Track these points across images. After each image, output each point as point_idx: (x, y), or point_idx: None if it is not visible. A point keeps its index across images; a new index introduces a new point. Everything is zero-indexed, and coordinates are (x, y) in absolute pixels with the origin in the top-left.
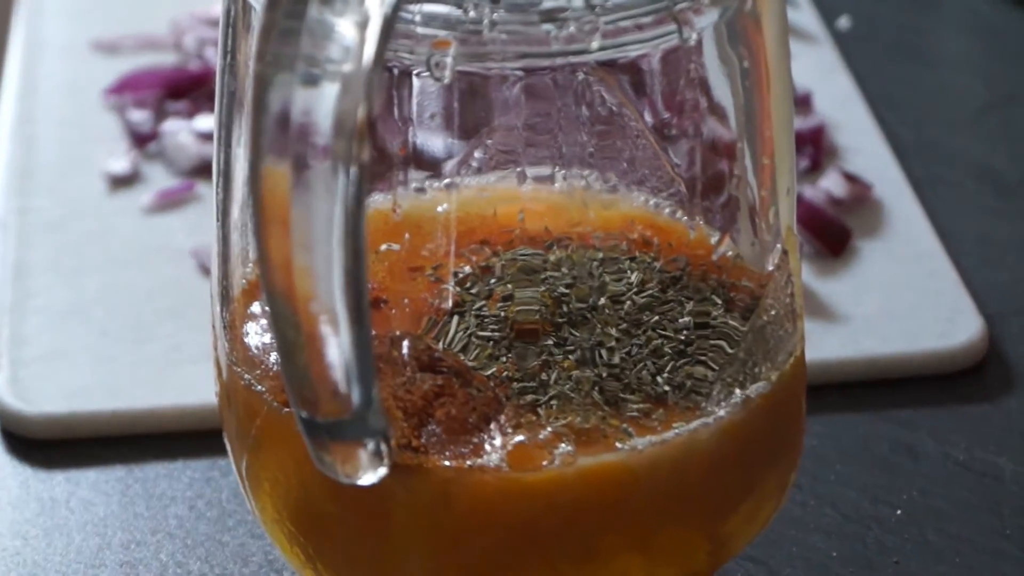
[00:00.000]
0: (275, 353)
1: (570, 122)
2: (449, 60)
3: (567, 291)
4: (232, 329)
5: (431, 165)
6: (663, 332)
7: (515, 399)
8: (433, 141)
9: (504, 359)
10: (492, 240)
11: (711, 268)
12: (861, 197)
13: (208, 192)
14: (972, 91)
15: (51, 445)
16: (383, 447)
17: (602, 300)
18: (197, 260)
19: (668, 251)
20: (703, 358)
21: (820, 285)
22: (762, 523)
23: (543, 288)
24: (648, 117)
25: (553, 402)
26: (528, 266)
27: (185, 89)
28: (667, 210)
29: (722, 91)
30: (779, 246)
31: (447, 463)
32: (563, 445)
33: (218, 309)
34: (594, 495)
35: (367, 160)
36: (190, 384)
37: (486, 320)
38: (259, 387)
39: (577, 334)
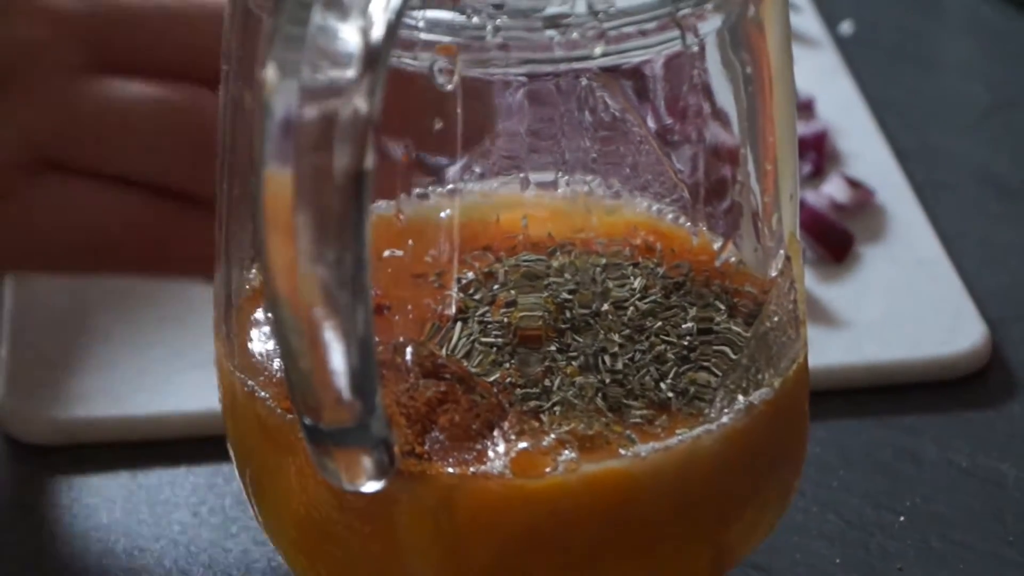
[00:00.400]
0: (278, 359)
1: (573, 128)
2: (453, 66)
3: (570, 297)
4: (235, 335)
5: (434, 171)
6: (666, 338)
7: (518, 405)
8: (436, 147)
9: (507, 365)
10: (495, 246)
11: (714, 274)
12: (864, 202)
13: None
14: (975, 95)
15: (54, 451)
16: (386, 454)
17: (605, 306)
18: None
19: (671, 257)
20: (706, 364)
21: (823, 291)
22: (766, 530)
23: (546, 294)
24: (651, 123)
25: (556, 408)
26: (531, 272)
27: None
28: (670, 216)
29: (725, 97)
30: (782, 252)
31: (450, 470)
32: (566, 452)
33: (221, 315)
34: (597, 502)
35: (370, 166)
36: (193, 390)
37: (489, 326)
38: (262, 393)
39: (580, 340)
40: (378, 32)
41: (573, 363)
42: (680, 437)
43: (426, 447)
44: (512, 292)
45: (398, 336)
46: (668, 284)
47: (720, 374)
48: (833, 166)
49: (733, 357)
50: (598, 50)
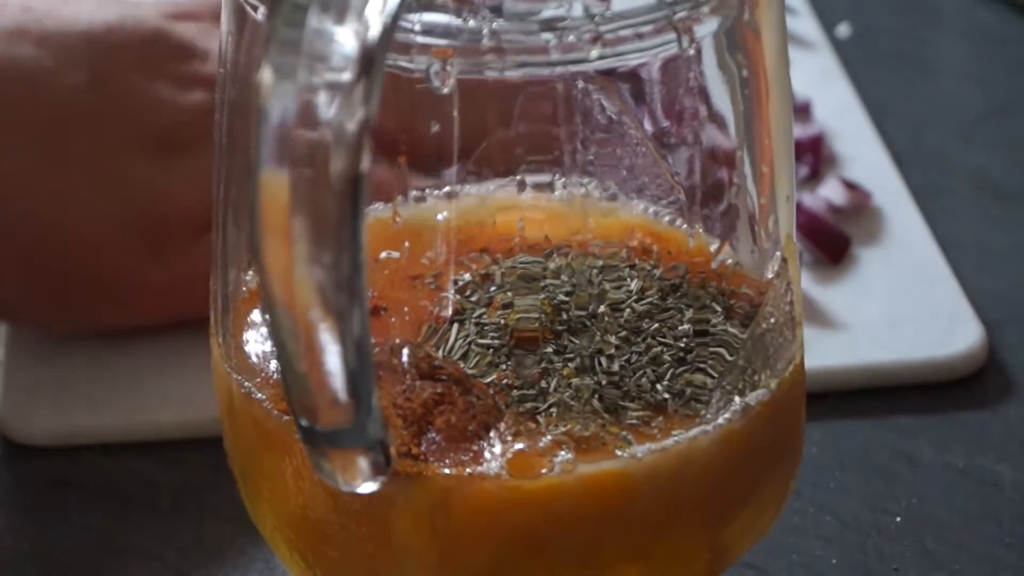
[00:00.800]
0: (275, 361)
1: (570, 130)
2: (449, 69)
3: (567, 299)
4: (232, 337)
5: (431, 173)
6: (663, 340)
7: (515, 407)
8: (433, 150)
9: (504, 367)
10: (492, 248)
11: (710, 276)
12: (860, 205)
13: None
14: (971, 99)
15: (51, 452)
16: (382, 455)
17: (602, 308)
18: None
19: (667, 259)
20: (703, 366)
21: (819, 293)
22: (762, 531)
23: (543, 296)
24: (647, 125)
25: (553, 410)
26: (528, 274)
27: None
28: (666, 218)
29: (721, 99)
30: (778, 254)
31: (447, 471)
32: (563, 453)
33: (218, 317)
34: (594, 503)
35: (367, 169)
36: (191, 392)
37: (486, 328)
38: (259, 395)
39: (577, 342)
40: (374, 35)
41: (569, 365)
42: (676, 438)
43: (422, 448)
44: (508, 294)
45: (394, 338)
46: (664, 286)
47: (716, 375)
48: (830, 169)
49: (729, 359)
50: (594, 53)
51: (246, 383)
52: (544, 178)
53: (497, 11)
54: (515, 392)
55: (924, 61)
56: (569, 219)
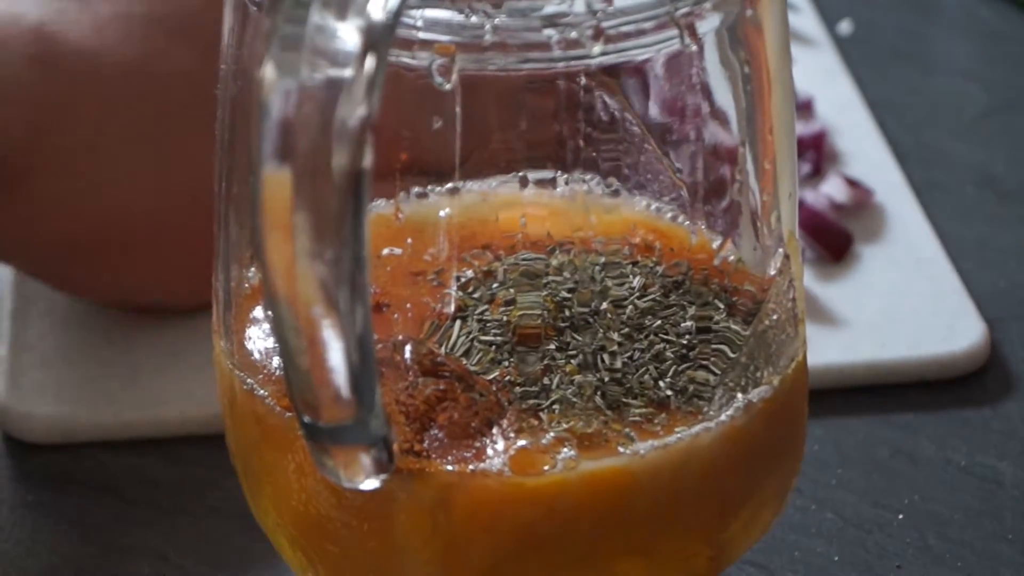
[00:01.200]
0: (277, 358)
1: (572, 127)
2: (451, 65)
3: (569, 296)
4: (234, 333)
5: (433, 170)
6: (665, 337)
7: (517, 404)
8: (435, 146)
9: (506, 363)
10: (494, 245)
11: (713, 273)
12: (862, 202)
13: None
14: (973, 96)
15: (53, 449)
16: (385, 452)
17: (604, 305)
18: None
19: (670, 256)
20: (705, 363)
21: (821, 290)
22: (763, 528)
23: (545, 293)
24: (650, 122)
25: (555, 407)
26: (530, 271)
27: None
28: (669, 215)
29: (723, 96)
30: (781, 251)
31: (449, 468)
32: (565, 450)
33: (220, 313)
34: (596, 499)
35: (369, 165)
36: (192, 388)
37: (488, 324)
38: (261, 391)
39: (579, 339)
40: (376, 31)
41: (572, 361)
42: (679, 435)
43: (425, 445)
44: (511, 290)
45: (397, 334)
46: (667, 283)
47: (719, 372)
48: (832, 166)
49: (732, 355)
50: (596, 49)
51: (248, 379)
52: (546, 175)
53: (499, 6)
54: (518, 389)
55: (926, 58)
56: (571, 216)
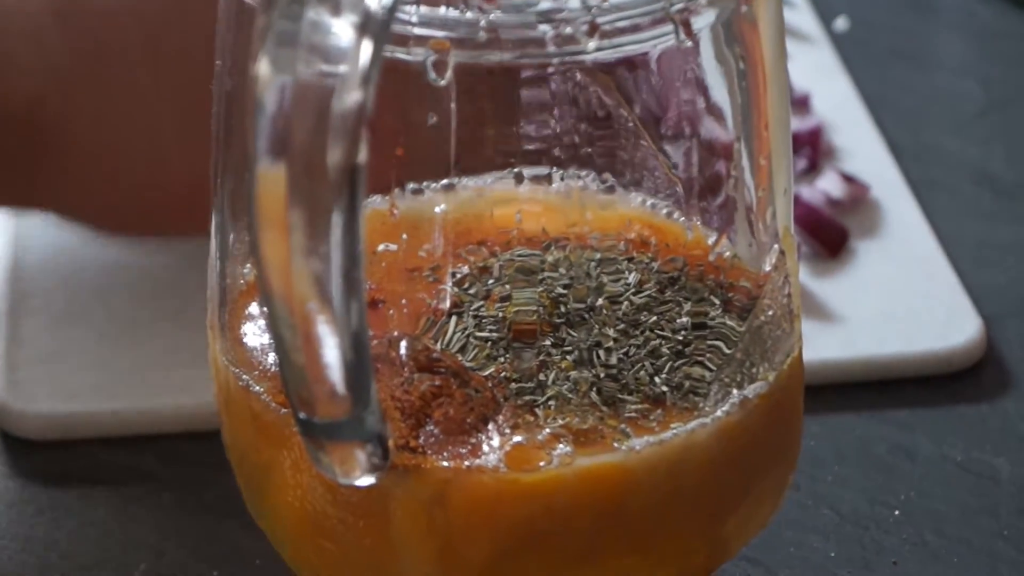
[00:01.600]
0: (272, 354)
1: (567, 123)
2: (446, 61)
3: (565, 292)
4: (230, 330)
5: (429, 166)
6: (661, 333)
7: (513, 400)
8: (430, 142)
9: (502, 360)
10: (490, 241)
11: (708, 269)
12: (858, 198)
13: None
14: (969, 93)
15: (49, 446)
16: (380, 448)
17: (600, 301)
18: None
19: (665, 252)
20: (701, 359)
21: (817, 286)
22: (760, 524)
23: (541, 289)
24: (645, 118)
25: (551, 403)
26: (526, 267)
27: None
28: (664, 211)
29: (719, 92)
30: (776, 247)
31: (445, 464)
32: (561, 446)
33: (216, 310)
34: (592, 496)
35: (364, 161)
36: (188, 385)
37: (484, 321)
38: (257, 388)
39: (575, 335)
40: (371, 27)
41: (568, 357)
42: (675, 431)
43: (420, 441)
44: (506, 287)
45: (392, 330)
46: (662, 279)
47: (714, 368)
48: (828, 162)
49: (727, 351)
50: (591, 45)
51: (244, 376)
52: (542, 170)
53: (493, 2)
54: (513, 385)
55: (922, 55)
56: (567, 212)
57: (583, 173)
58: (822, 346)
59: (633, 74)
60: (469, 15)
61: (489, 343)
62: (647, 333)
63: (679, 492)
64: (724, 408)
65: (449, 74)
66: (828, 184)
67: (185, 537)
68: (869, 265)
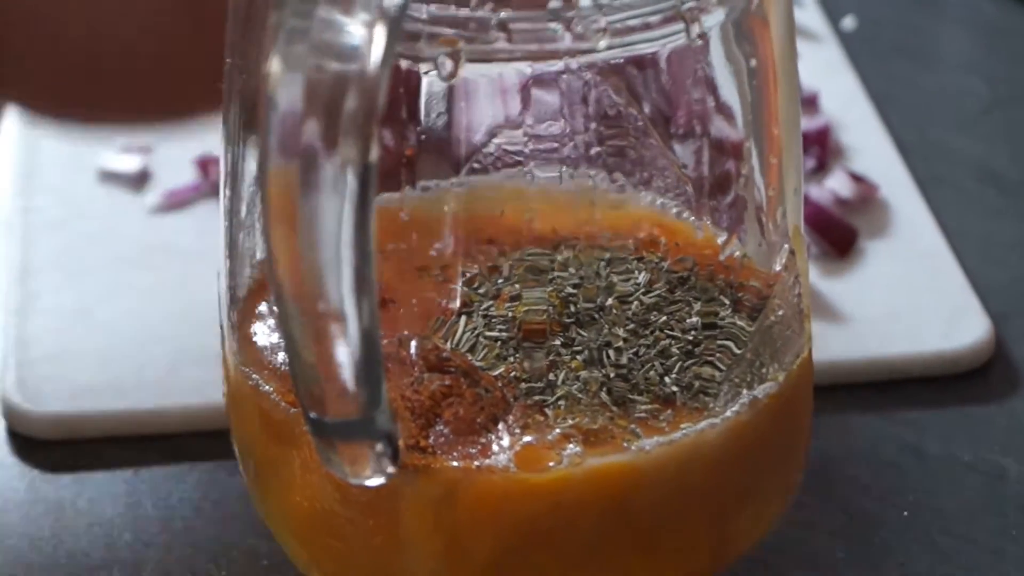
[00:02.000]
0: (283, 353)
1: (577, 122)
2: (457, 59)
3: (574, 291)
4: (239, 329)
5: (439, 164)
6: (671, 332)
7: (523, 399)
8: (441, 140)
9: (512, 359)
10: (499, 240)
11: (718, 268)
12: (867, 197)
13: (215, 192)
14: (976, 91)
15: (57, 445)
16: (391, 447)
17: (609, 300)
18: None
19: (675, 251)
20: (711, 358)
21: (826, 285)
22: (768, 524)
23: (550, 288)
24: (655, 116)
25: (561, 402)
26: (535, 266)
27: None
28: (674, 210)
29: (729, 90)
30: (786, 246)
31: (455, 463)
32: (571, 446)
33: (225, 309)
34: (601, 495)
35: (375, 159)
36: (197, 384)
37: (494, 320)
38: (266, 387)
39: (585, 334)
40: (383, 25)
41: (577, 357)
42: (684, 431)
43: (430, 441)
44: (516, 286)
45: (403, 330)
46: (672, 278)
47: (724, 368)
48: (836, 161)
49: (737, 351)
50: (602, 43)
51: (254, 375)
52: (552, 170)
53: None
54: (523, 385)
55: (929, 53)
56: (577, 211)
57: (593, 172)
58: (831, 346)
59: (643, 73)
60: (480, 13)
61: (499, 343)
62: (657, 333)
63: (688, 492)
64: (734, 408)
65: (460, 72)
66: (837, 184)
67: (193, 537)
68: (878, 264)
